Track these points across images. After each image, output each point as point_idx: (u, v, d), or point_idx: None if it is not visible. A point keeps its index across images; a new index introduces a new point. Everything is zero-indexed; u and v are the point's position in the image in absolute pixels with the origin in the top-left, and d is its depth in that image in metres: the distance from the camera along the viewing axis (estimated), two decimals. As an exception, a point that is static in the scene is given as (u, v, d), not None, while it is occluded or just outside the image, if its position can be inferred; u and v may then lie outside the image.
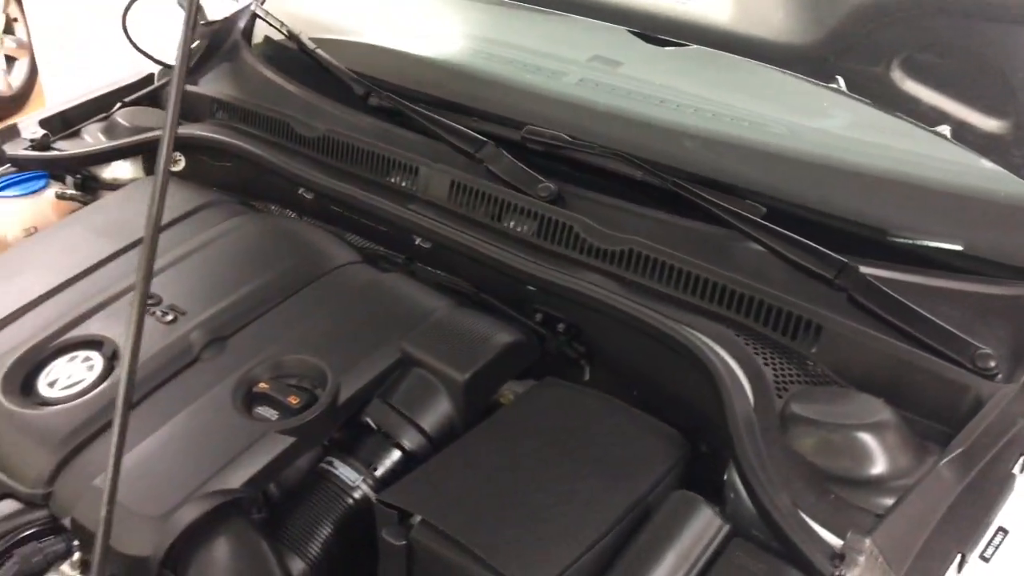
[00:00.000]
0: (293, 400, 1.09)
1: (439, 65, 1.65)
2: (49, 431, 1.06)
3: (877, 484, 0.94)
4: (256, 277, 1.28)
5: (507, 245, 1.29)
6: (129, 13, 1.73)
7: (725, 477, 1.01)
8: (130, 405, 0.69)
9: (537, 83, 1.54)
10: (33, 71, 4.53)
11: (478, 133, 1.40)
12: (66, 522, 1.01)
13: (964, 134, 1.17)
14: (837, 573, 0.82)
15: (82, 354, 1.17)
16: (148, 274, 0.68)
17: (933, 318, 1.07)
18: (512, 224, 1.33)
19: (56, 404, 1.10)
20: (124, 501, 0.96)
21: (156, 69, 1.85)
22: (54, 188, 1.60)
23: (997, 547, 0.92)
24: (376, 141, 1.48)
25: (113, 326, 1.21)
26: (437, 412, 1.13)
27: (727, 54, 1.33)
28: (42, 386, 1.13)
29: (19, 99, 4.48)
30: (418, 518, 0.94)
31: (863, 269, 1.11)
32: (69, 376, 1.14)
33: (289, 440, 1.04)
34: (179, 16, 1.82)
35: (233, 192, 1.56)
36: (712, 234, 1.22)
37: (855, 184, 1.24)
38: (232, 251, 1.35)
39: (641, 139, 1.36)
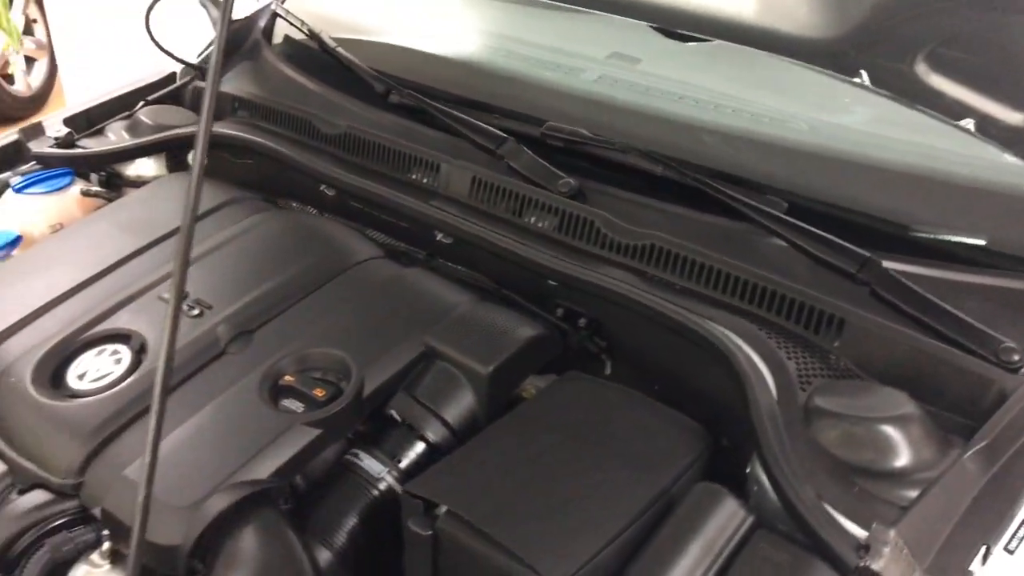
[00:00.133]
0: (319, 393, 1.10)
1: (457, 63, 1.66)
2: (79, 422, 1.08)
3: (901, 477, 0.94)
4: (280, 272, 1.30)
5: (528, 240, 1.30)
6: (151, 13, 1.75)
7: (748, 470, 1.01)
8: (167, 391, 0.70)
9: (556, 80, 1.54)
10: (52, 71, 4.58)
11: (498, 130, 1.41)
12: (96, 512, 1.03)
13: (988, 128, 1.17)
14: (862, 564, 0.82)
15: (110, 348, 1.19)
16: (184, 263, 0.69)
17: (957, 312, 1.07)
18: (533, 219, 1.33)
19: (86, 396, 1.11)
20: (153, 491, 0.97)
21: (178, 68, 1.88)
22: (79, 185, 1.62)
23: (1022, 539, 0.92)
24: (397, 138, 1.49)
25: (140, 320, 1.22)
26: (461, 405, 1.14)
27: (747, 50, 1.33)
28: (71, 379, 1.15)
29: (38, 99, 4.53)
30: (443, 508, 0.95)
31: (885, 264, 1.12)
32: (98, 369, 1.15)
33: (315, 432, 1.05)
34: (200, 16, 1.85)
35: (254, 189, 1.57)
36: (733, 229, 1.22)
37: (877, 179, 1.24)
38: (256, 247, 1.37)
39: (661, 135, 1.37)
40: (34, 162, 1.65)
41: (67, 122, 1.72)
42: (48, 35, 4.47)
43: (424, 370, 1.16)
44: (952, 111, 1.19)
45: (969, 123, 1.17)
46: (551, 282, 1.27)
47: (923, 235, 1.17)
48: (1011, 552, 0.92)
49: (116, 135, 1.72)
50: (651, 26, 1.42)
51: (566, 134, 1.37)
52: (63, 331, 1.20)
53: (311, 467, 1.09)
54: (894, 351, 1.07)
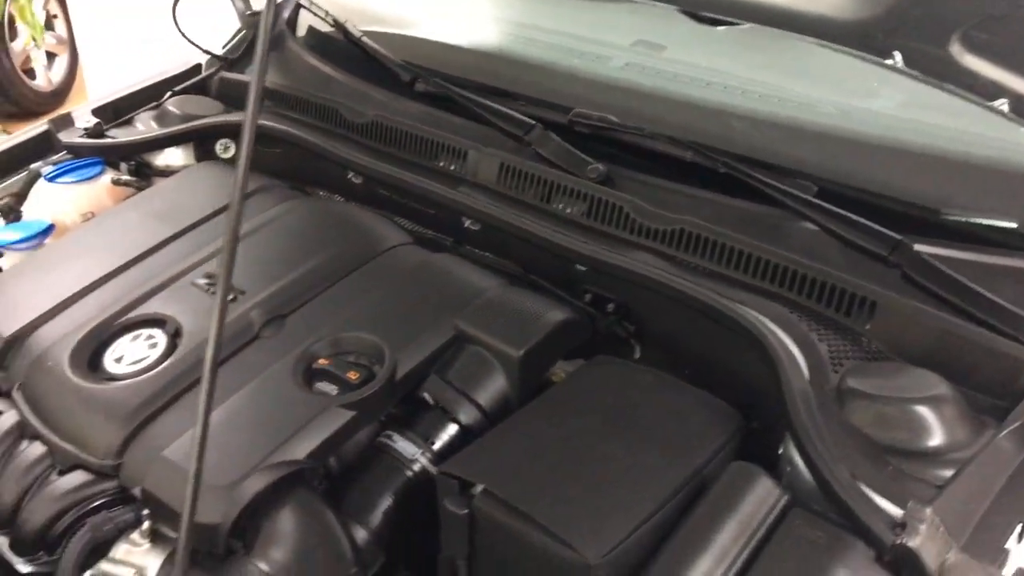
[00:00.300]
0: (352, 376, 1.11)
1: (481, 52, 1.67)
2: (118, 405, 1.09)
3: (934, 456, 0.95)
4: (311, 258, 1.31)
5: (557, 226, 1.31)
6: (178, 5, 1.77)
7: (780, 451, 1.02)
8: (216, 368, 0.71)
9: (582, 67, 1.55)
10: (72, 67, 4.62)
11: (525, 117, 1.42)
12: (136, 492, 1.04)
13: (1022, 108, 1.16)
14: (899, 542, 0.83)
15: (145, 332, 1.20)
16: (233, 245, 0.70)
17: (988, 294, 1.07)
18: (561, 206, 1.34)
19: (123, 379, 1.13)
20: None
21: (203, 59, 1.89)
22: (109, 174, 1.64)
23: (1057, 518, 0.92)
24: (424, 126, 1.50)
25: (174, 306, 1.24)
26: (493, 388, 1.15)
27: (776, 33, 1.33)
28: (108, 362, 1.17)
29: (59, 94, 4.57)
30: (479, 488, 0.96)
31: (916, 247, 1.12)
32: (134, 353, 1.17)
33: (350, 414, 1.07)
34: (225, 6, 1.87)
35: (282, 178, 1.59)
36: (763, 213, 1.22)
37: (907, 163, 1.24)
38: (286, 233, 1.38)
39: (689, 121, 1.37)
40: (65, 152, 1.66)
41: (95, 113, 1.74)
42: (69, 31, 4.50)
43: (456, 354, 1.17)
44: (987, 91, 1.19)
45: (1003, 103, 1.17)
46: (579, 267, 1.28)
47: (953, 218, 1.17)
48: (1046, 531, 0.92)
49: (144, 125, 1.74)
50: (680, 10, 1.42)
51: (594, 120, 1.38)
52: (98, 317, 1.22)
53: (344, 449, 1.10)
54: (926, 333, 1.07)
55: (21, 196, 1.61)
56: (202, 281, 1.27)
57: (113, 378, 1.14)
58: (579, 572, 0.87)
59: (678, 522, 0.93)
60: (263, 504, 0.98)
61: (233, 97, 1.79)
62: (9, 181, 1.63)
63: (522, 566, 0.94)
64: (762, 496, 0.93)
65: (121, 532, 1.05)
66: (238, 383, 1.12)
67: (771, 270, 1.17)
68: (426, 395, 1.14)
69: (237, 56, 1.86)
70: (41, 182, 1.60)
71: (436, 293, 1.26)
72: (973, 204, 1.18)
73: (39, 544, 1.08)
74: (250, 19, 1.88)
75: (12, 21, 4.23)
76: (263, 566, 0.94)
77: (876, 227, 1.14)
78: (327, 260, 1.31)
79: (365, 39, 1.66)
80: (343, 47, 1.70)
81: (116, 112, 1.77)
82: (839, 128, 1.30)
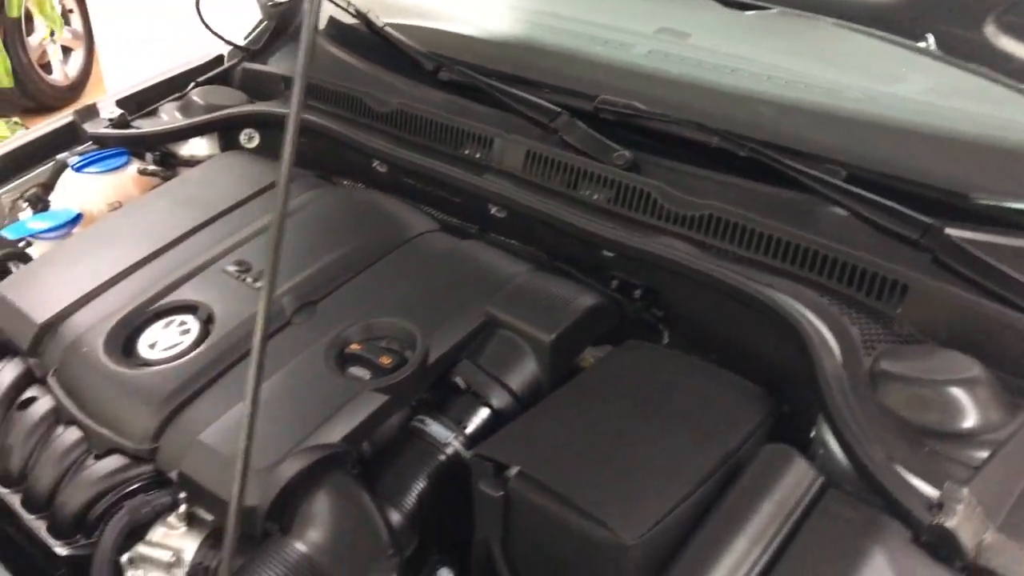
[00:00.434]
0: (385, 360, 1.12)
1: (504, 40, 1.67)
2: (153, 390, 1.10)
3: (969, 438, 0.95)
4: (340, 245, 1.32)
5: (584, 212, 1.31)
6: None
7: (812, 434, 1.02)
8: (264, 347, 0.72)
9: (606, 55, 1.55)
10: (89, 61, 4.64)
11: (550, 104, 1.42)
12: (172, 475, 1.05)
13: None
14: (936, 522, 0.83)
15: (178, 319, 1.21)
16: (280, 230, 0.71)
17: (1020, 276, 1.07)
18: (588, 192, 1.35)
19: (158, 365, 1.14)
20: (229, 455, 1.00)
21: (225, 51, 1.90)
22: (135, 164, 1.65)
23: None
24: (449, 114, 1.51)
25: (205, 292, 1.25)
26: (524, 372, 1.15)
27: (801, 19, 1.33)
28: (142, 348, 1.18)
29: (76, 88, 4.59)
30: (514, 470, 0.96)
31: (947, 231, 1.12)
32: (168, 339, 1.18)
33: (383, 398, 1.07)
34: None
35: (307, 167, 1.60)
36: (791, 199, 1.22)
37: (936, 148, 1.23)
38: (315, 221, 1.39)
39: (714, 107, 1.37)
40: (90, 142, 1.68)
41: (120, 104, 1.75)
42: (86, 25, 4.52)
43: (487, 338, 1.18)
44: (1022, 74, 1.19)
45: (1037, 86, 1.17)
46: (607, 253, 1.28)
47: (983, 202, 1.17)
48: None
49: (168, 116, 1.75)
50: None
51: (620, 107, 1.38)
52: (131, 303, 1.23)
53: (377, 433, 1.11)
54: (958, 316, 1.07)
55: (48, 186, 1.63)
56: (232, 268, 1.28)
57: (148, 363, 1.15)
58: (615, 553, 0.88)
59: (712, 504, 0.93)
60: (299, 487, 0.99)
61: (256, 87, 1.80)
62: (36, 171, 1.64)
63: (557, 547, 0.95)
64: (798, 477, 0.93)
65: (158, 515, 1.06)
66: (272, 368, 1.12)
67: (801, 254, 1.17)
68: (458, 379, 1.15)
69: (259, 47, 1.87)
70: (68, 172, 1.62)
71: (466, 279, 1.26)
72: (1003, 188, 1.17)
73: (77, 527, 1.09)
74: (272, 10, 1.89)
75: (28, 17, 4.26)
76: (301, 547, 0.95)
77: (907, 211, 1.14)
78: (356, 247, 1.32)
79: (388, 29, 1.66)
80: (364, 37, 1.71)
81: (140, 103, 1.78)
82: (868, 113, 1.29)
